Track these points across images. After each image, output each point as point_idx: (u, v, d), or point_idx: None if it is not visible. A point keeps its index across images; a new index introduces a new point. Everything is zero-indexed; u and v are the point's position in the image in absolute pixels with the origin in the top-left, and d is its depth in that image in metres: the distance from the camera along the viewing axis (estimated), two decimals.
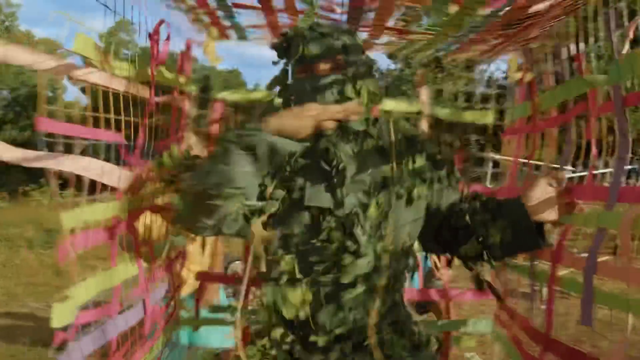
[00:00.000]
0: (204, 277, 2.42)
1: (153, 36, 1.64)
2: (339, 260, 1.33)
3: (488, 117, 2.44)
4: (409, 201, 1.39)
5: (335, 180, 1.34)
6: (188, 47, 2.08)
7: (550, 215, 1.33)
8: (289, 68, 1.44)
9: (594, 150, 1.69)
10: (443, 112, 2.45)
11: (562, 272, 1.83)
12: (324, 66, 1.36)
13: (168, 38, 1.77)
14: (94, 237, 1.34)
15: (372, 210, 1.35)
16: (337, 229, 1.34)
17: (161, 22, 1.72)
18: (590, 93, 1.66)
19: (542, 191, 1.33)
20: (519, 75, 2.31)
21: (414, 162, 1.41)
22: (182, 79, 1.99)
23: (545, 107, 2.00)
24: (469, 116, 2.45)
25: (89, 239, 1.31)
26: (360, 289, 1.34)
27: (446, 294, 2.43)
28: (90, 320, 1.33)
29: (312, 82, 1.36)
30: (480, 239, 1.39)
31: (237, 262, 5.10)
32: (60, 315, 1.10)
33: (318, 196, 1.35)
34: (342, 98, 1.34)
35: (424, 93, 2.42)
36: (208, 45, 2.30)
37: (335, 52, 1.36)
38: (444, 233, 1.46)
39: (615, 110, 1.49)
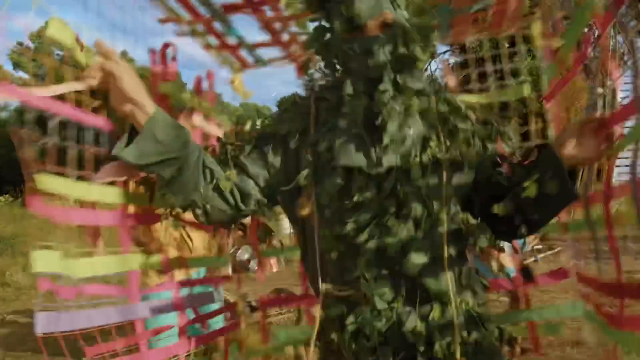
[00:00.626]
0: (266, 303, 2.39)
1: (153, 51, 1.79)
2: (380, 222, 1.27)
3: (525, 90, 2.31)
4: (453, 166, 1.33)
5: (372, 137, 1.30)
6: (210, 77, 2.22)
7: (588, 153, 1.25)
8: (327, 25, 1.36)
9: (611, 67, 1.56)
10: (476, 98, 2.35)
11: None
12: (372, 25, 1.28)
13: (174, 59, 1.91)
14: (95, 217, 1.41)
15: (415, 171, 1.29)
16: (371, 189, 1.29)
17: (167, 45, 1.87)
18: (596, 17, 1.56)
19: (575, 131, 1.25)
20: (545, 42, 2.20)
21: (458, 127, 1.35)
22: (199, 101, 2.11)
23: (566, 54, 1.87)
24: (504, 95, 2.34)
25: (90, 217, 1.39)
26: (409, 255, 1.27)
27: (520, 281, 2.21)
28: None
29: (362, 44, 1.29)
30: (514, 197, 1.29)
31: None
32: (42, 260, 1.14)
33: (350, 155, 1.30)
34: (395, 57, 1.29)
35: (452, 80, 2.35)
36: (235, 80, 2.44)
37: (384, 8, 1.28)
38: (482, 204, 1.37)
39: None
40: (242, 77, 2.46)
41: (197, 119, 2.09)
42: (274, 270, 3.47)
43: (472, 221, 1.36)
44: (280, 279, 5.54)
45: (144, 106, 1.27)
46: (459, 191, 1.35)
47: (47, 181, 1.23)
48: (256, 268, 2.80)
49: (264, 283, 2.24)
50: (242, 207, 1.37)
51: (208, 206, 1.34)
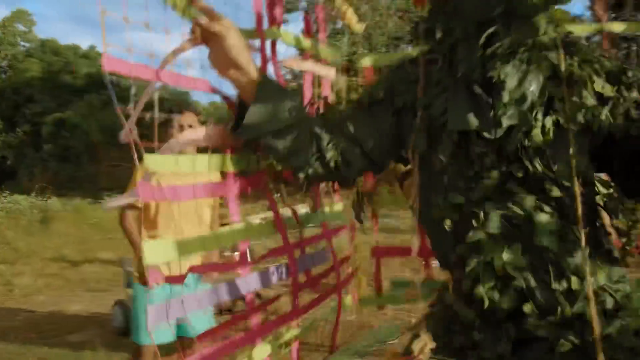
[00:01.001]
0: (381, 252, 2.30)
1: None
2: (504, 190, 1.14)
3: None
4: (583, 125, 1.16)
5: (488, 96, 1.15)
6: (319, 12, 2.03)
7: None
8: None
9: None
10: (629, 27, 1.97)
11: None
12: None
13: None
14: (205, 190, 1.34)
15: (536, 133, 1.13)
16: (491, 153, 1.15)
17: None
18: None
19: None
20: None
21: (589, 81, 1.17)
22: (309, 43, 1.94)
23: None
24: None
25: (199, 192, 1.31)
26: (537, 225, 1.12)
27: None
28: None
29: None
30: None
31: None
32: (154, 251, 1.10)
33: (464, 117, 1.16)
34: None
35: (600, 5, 1.99)
36: (346, 12, 2.23)
37: None
38: (615, 163, 1.23)
39: None
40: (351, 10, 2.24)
41: (308, 63, 1.93)
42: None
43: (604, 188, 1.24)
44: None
45: (248, 71, 1.22)
46: (588, 153, 1.20)
47: (156, 161, 1.15)
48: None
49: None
50: (344, 174, 1.34)
51: (310, 170, 1.31)
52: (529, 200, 1.13)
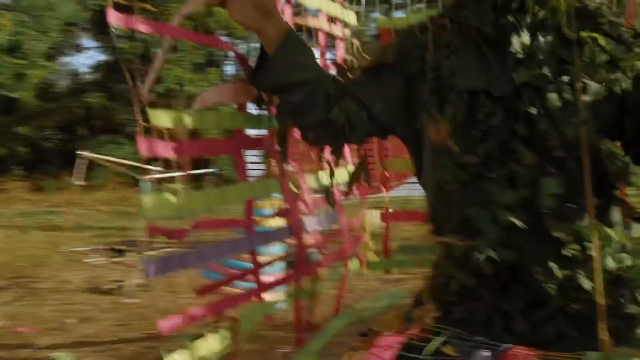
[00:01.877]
0: (391, 217, 2.30)
1: None
2: (507, 149, 1.11)
3: None
4: (595, 88, 1.13)
5: (499, 55, 1.14)
6: None
7: None
8: None
9: None
10: None
11: None
12: None
13: None
14: (209, 147, 1.34)
15: (552, 95, 1.11)
16: (499, 112, 1.13)
17: None
18: None
19: None
20: None
21: (600, 42, 1.14)
22: (325, 2, 1.90)
23: None
24: None
25: (203, 148, 1.31)
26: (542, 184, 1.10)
27: None
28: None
29: None
30: None
31: None
32: (153, 206, 1.09)
33: (472, 76, 1.15)
34: None
35: None
36: None
37: None
38: (627, 131, 1.17)
39: None
40: None
41: (321, 21, 1.90)
42: None
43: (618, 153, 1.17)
44: None
45: (277, 21, 1.22)
46: (601, 118, 1.15)
47: (160, 116, 1.15)
48: None
49: None
50: (350, 139, 1.33)
51: (320, 131, 1.30)
52: (530, 158, 1.10)
